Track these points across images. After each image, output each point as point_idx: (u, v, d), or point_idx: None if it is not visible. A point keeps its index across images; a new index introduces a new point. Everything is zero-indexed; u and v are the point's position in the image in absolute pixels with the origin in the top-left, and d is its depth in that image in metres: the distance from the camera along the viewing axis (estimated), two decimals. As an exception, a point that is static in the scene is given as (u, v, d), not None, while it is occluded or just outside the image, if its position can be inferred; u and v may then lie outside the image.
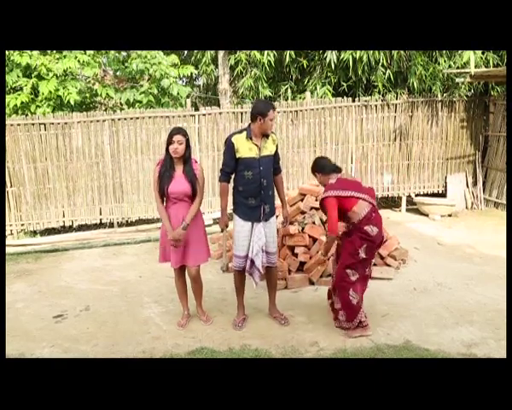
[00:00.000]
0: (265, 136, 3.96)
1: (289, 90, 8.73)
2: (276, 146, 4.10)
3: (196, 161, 4.10)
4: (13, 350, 3.80)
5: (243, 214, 4.00)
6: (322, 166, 4.04)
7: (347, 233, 3.94)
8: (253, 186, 3.92)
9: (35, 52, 7.77)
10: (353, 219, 3.83)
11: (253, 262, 4.03)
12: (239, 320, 4.21)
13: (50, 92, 7.69)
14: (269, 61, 8.28)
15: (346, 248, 3.90)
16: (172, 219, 3.96)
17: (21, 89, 7.86)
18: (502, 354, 3.51)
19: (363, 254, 3.82)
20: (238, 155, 3.88)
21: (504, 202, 8.17)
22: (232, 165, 3.93)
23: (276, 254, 4.19)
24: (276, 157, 4.09)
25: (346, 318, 3.97)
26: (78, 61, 7.93)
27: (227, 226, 4.12)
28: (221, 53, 8.77)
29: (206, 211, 8.12)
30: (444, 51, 8.05)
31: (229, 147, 3.90)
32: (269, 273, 4.25)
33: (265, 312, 4.40)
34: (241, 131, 3.98)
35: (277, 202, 4.33)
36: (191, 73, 9.29)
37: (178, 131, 3.90)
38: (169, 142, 3.86)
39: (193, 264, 4.08)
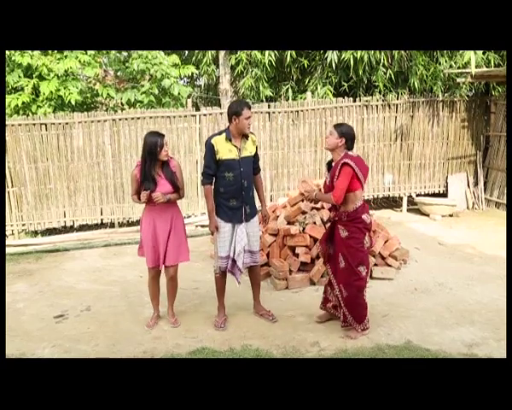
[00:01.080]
0: (245, 136, 3.97)
1: (290, 91, 8.71)
2: (256, 147, 4.12)
3: (171, 157, 4.11)
4: (13, 350, 3.81)
5: (224, 215, 4.01)
6: (352, 140, 3.81)
7: (344, 226, 3.80)
8: (234, 187, 3.94)
9: (36, 52, 7.77)
10: (349, 205, 3.74)
11: (234, 262, 4.05)
12: (221, 321, 4.21)
13: (51, 92, 7.68)
14: (269, 60, 8.27)
15: (350, 247, 3.78)
16: (158, 221, 4.01)
17: (22, 89, 7.86)
18: (502, 353, 3.51)
19: (368, 244, 3.87)
20: (218, 157, 3.89)
21: (505, 202, 8.16)
22: (214, 167, 3.93)
23: (258, 253, 4.23)
24: (255, 157, 4.12)
25: (354, 319, 3.91)
26: (79, 61, 7.93)
27: (217, 229, 4.03)
28: (222, 53, 8.77)
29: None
30: (445, 51, 8.05)
31: (210, 149, 3.91)
32: (253, 272, 4.28)
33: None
34: (220, 133, 4.00)
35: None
36: (192, 73, 9.28)
37: (161, 134, 3.95)
38: (159, 147, 3.85)
39: (173, 262, 4.10)
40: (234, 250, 4.01)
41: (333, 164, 3.87)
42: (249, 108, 3.91)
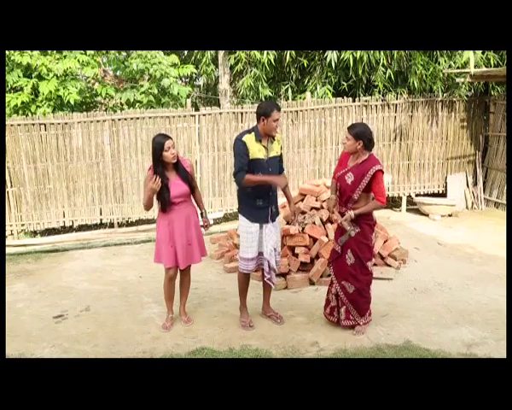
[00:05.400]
0: (271, 137, 3.93)
1: (289, 90, 8.71)
2: (281, 146, 4.09)
3: (184, 158, 4.13)
4: (13, 350, 3.80)
5: (251, 216, 3.98)
6: (370, 139, 3.80)
7: (356, 223, 3.83)
8: (262, 188, 3.90)
9: (35, 52, 7.77)
10: (363, 203, 3.81)
11: (268, 265, 4.01)
12: (248, 321, 4.19)
13: (51, 92, 7.68)
14: (269, 59, 8.26)
15: (360, 243, 3.86)
16: (176, 220, 3.98)
17: (22, 89, 7.86)
18: (502, 353, 3.51)
19: (374, 241, 3.94)
20: (250, 155, 3.85)
21: (504, 202, 8.17)
22: (247, 163, 3.85)
23: (280, 254, 4.22)
24: (280, 157, 4.09)
25: (358, 313, 3.97)
26: (78, 61, 7.93)
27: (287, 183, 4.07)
28: (221, 53, 8.76)
29: (207, 211, 8.10)
30: (444, 51, 8.05)
31: (242, 147, 3.84)
32: None
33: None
34: (249, 132, 3.94)
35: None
36: (191, 73, 9.28)
37: (167, 136, 3.91)
38: (163, 150, 3.81)
39: (199, 260, 4.17)
40: (266, 250, 3.97)
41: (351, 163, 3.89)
42: (279, 110, 3.82)
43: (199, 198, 4.24)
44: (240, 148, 3.86)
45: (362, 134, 3.76)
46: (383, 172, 3.81)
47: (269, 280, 4.12)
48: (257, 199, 3.93)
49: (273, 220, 4.02)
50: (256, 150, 3.86)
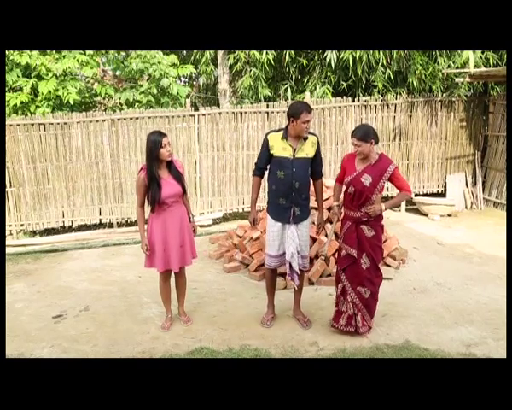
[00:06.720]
0: (303, 137, 3.88)
1: (289, 90, 8.72)
2: (317, 150, 3.97)
3: (176, 159, 4.10)
4: (12, 350, 3.80)
5: (273, 214, 4.01)
6: (376, 134, 3.78)
7: (371, 226, 3.81)
8: (284, 187, 3.89)
9: (35, 52, 7.77)
10: (376, 205, 3.76)
11: (290, 266, 3.99)
12: (268, 318, 4.21)
13: (50, 92, 7.69)
14: (268, 59, 8.25)
15: (375, 245, 3.83)
16: (169, 222, 3.96)
17: (21, 89, 7.86)
18: (501, 353, 3.52)
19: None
20: (272, 152, 3.90)
21: (504, 201, 8.18)
22: (264, 160, 3.99)
23: (307, 258, 4.17)
24: (315, 161, 3.99)
25: (370, 316, 3.93)
26: (78, 60, 7.93)
27: (255, 220, 4.14)
28: (220, 53, 8.77)
29: (206, 211, 8.12)
30: (443, 51, 8.06)
31: (264, 143, 3.96)
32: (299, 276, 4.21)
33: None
34: (278, 130, 4.00)
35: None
36: (191, 73, 9.29)
37: (163, 133, 3.88)
38: (159, 147, 3.77)
39: (190, 262, 4.14)
40: (288, 252, 3.94)
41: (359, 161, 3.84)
42: (309, 111, 3.77)
43: (187, 201, 4.19)
44: (262, 143, 4.01)
45: (369, 133, 3.74)
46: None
47: (291, 280, 4.10)
48: (280, 198, 3.93)
49: (295, 222, 3.96)
50: (280, 149, 3.87)
